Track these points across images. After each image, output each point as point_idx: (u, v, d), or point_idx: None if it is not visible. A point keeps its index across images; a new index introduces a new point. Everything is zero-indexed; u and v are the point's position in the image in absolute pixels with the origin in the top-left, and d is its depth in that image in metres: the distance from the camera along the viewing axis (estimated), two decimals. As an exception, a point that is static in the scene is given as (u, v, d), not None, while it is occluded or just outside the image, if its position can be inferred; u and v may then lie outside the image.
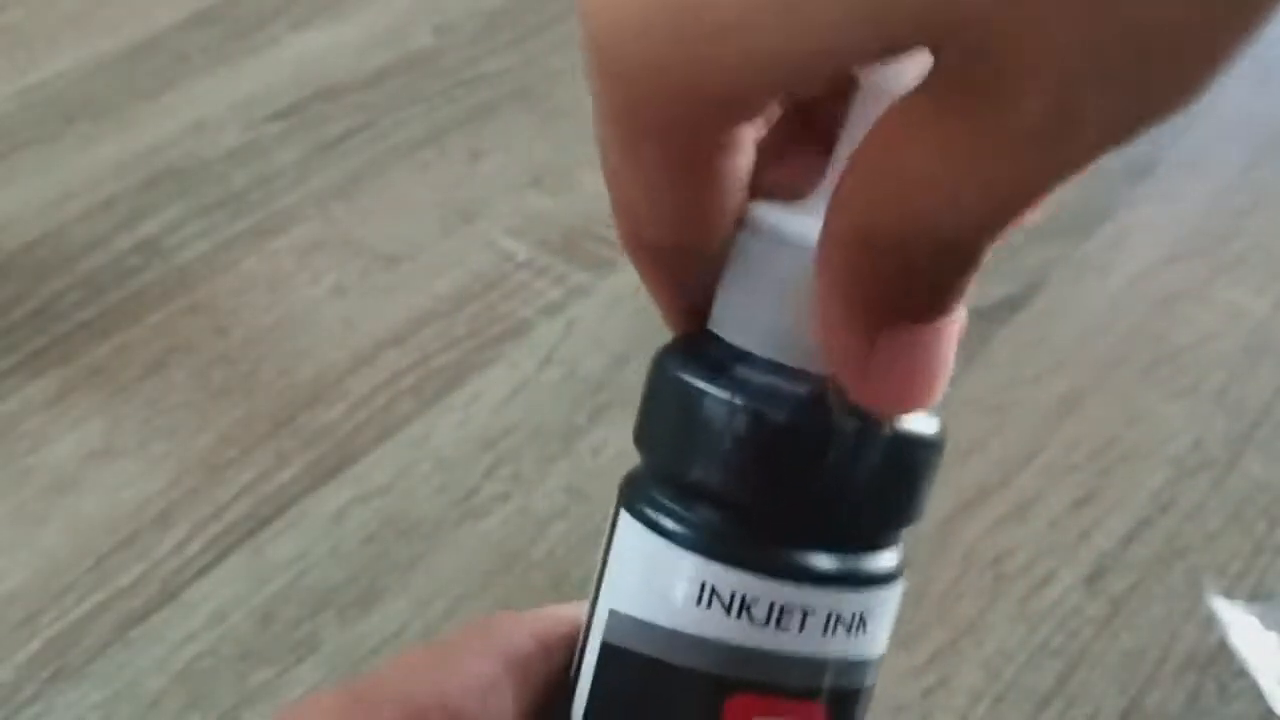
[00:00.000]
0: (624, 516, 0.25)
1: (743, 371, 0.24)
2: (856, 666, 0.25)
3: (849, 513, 0.24)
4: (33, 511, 0.51)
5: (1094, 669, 0.49)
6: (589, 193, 0.66)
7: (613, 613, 0.25)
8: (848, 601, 0.25)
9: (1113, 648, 0.49)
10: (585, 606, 0.26)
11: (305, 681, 0.47)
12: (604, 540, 0.25)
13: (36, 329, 0.58)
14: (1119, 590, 0.51)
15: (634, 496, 0.25)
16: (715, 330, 0.25)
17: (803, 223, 0.23)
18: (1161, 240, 0.67)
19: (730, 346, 0.25)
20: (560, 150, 0.69)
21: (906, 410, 0.23)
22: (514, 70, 0.73)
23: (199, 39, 0.76)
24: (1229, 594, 0.51)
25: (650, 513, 0.25)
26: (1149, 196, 0.69)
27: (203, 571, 0.50)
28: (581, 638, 0.26)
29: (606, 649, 0.25)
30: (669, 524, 0.25)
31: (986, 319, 0.61)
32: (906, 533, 0.26)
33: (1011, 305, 0.62)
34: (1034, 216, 0.22)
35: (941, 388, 0.22)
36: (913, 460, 0.25)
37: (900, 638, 0.49)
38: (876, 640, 0.26)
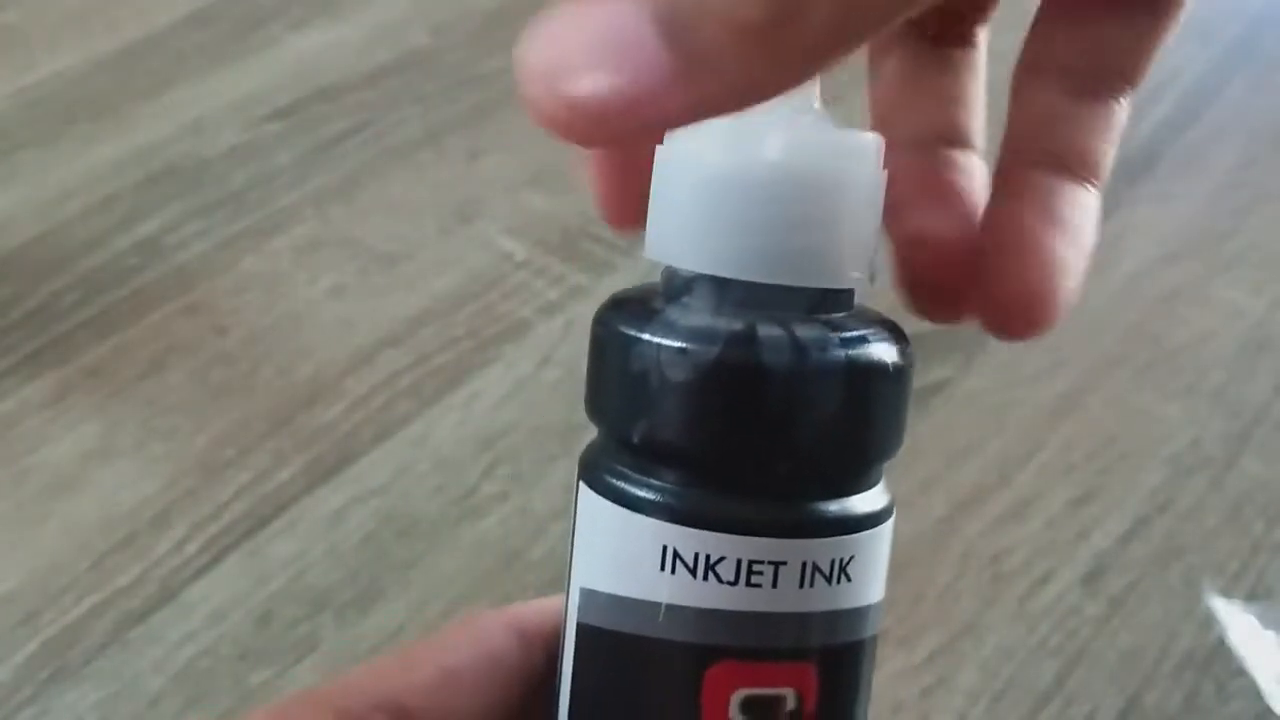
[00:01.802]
0: (582, 488, 0.24)
1: (671, 314, 0.23)
2: (846, 617, 0.23)
3: (804, 455, 0.23)
4: (31, 512, 0.51)
5: (1092, 668, 0.49)
6: (588, 193, 0.66)
7: (584, 591, 0.24)
8: (822, 549, 0.23)
9: (1111, 647, 0.49)
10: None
11: (304, 681, 0.47)
12: (571, 517, 0.24)
13: (34, 329, 0.58)
14: (1117, 589, 0.51)
15: (589, 465, 0.24)
16: (647, 255, 0.23)
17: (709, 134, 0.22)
18: (1159, 239, 0.67)
19: (656, 293, 0.24)
20: (559, 150, 0.68)
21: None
22: (512, 70, 0.73)
23: (197, 39, 0.76)
24: (1227, 593, 0.51)
25: (604, 480, 0.24)
26: (1147, 196, 0.69)
27: (201, 571, 0.50)
28: (563, 623, 0.25)
29: (582, 630, 0.24)
30: (622, 489, 0.23)
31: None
32: (894, 478, 0.25)
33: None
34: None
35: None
36: (870, 390, 0.23)
37: (898, 637, 0.49)
38: (866, 587, 0.24)
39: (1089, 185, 0.25)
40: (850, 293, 0.24)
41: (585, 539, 0.24)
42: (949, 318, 0.26)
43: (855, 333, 0.23)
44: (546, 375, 0.57)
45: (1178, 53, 0.79)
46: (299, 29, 0.77)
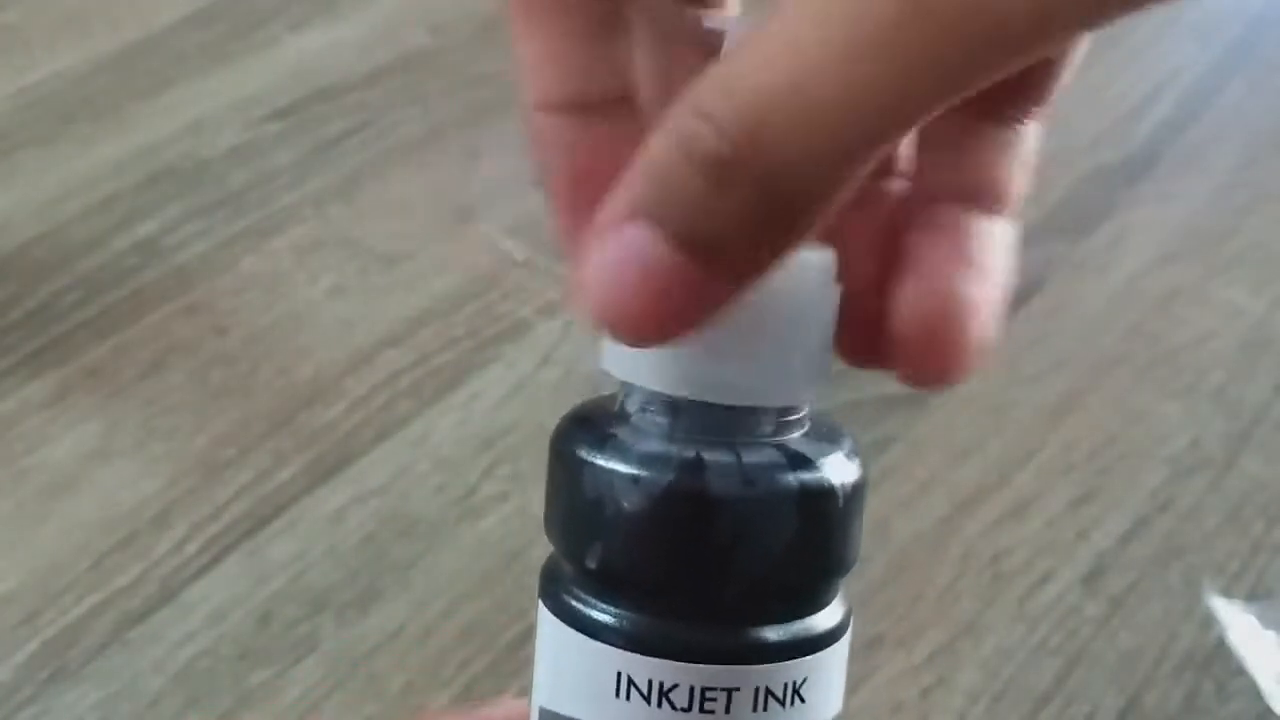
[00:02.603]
0: (540, 606, 0.24)
1: (623, 437, 0.23)
2: None
3: (754, 583, 0.22)
4: (30, 512, 0.51)
5: (1092, 668, 0.49)
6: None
7: (543, 711, 0.24)
8: (775, 674, 0.23)
9: (1111, 647, 0.49)
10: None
11: (304, 681, 0.47)
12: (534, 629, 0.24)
13: (34, 329, 0.58)
14: (1117, 589, 0.51)
15: (547, 582, 0.24)
16: (604, 367, 0.23)
17: None
18: (1159, 240, 0.67)
19: (615, 411, 0.23)
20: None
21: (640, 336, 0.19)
22: (512, 70, 0.73)
23: (197, 39, 0.76)
24: (1227, 593, 0.51)
25: (560, 600, 0.24)
26: (1147, 196, 0.69)
27: (201, 571, 0.50)
28: None
29: None
30: (577, 612, 0.23)
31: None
32: (856, 576, 0.24)
33: (1010, 304, 0.62)
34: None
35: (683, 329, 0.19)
36: (821, 515, 0.23)
37: (898, 637, 0.49)
38: (821, 705, 0.24)
39: (999, 216, 0.23)
40: (804, 410, 0.24)
41: (544, 657, 0.24)
42: (872, 365, 0.24)
43: (807, 454, 0.23)
44: (546, 375, 0.57)
45: (1178, 53, 0.79)
46: (299, 29, 0.77)
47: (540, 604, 0.24)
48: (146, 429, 0.54)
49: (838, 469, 0.23)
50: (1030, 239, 0.75)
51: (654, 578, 0.23)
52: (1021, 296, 0.63)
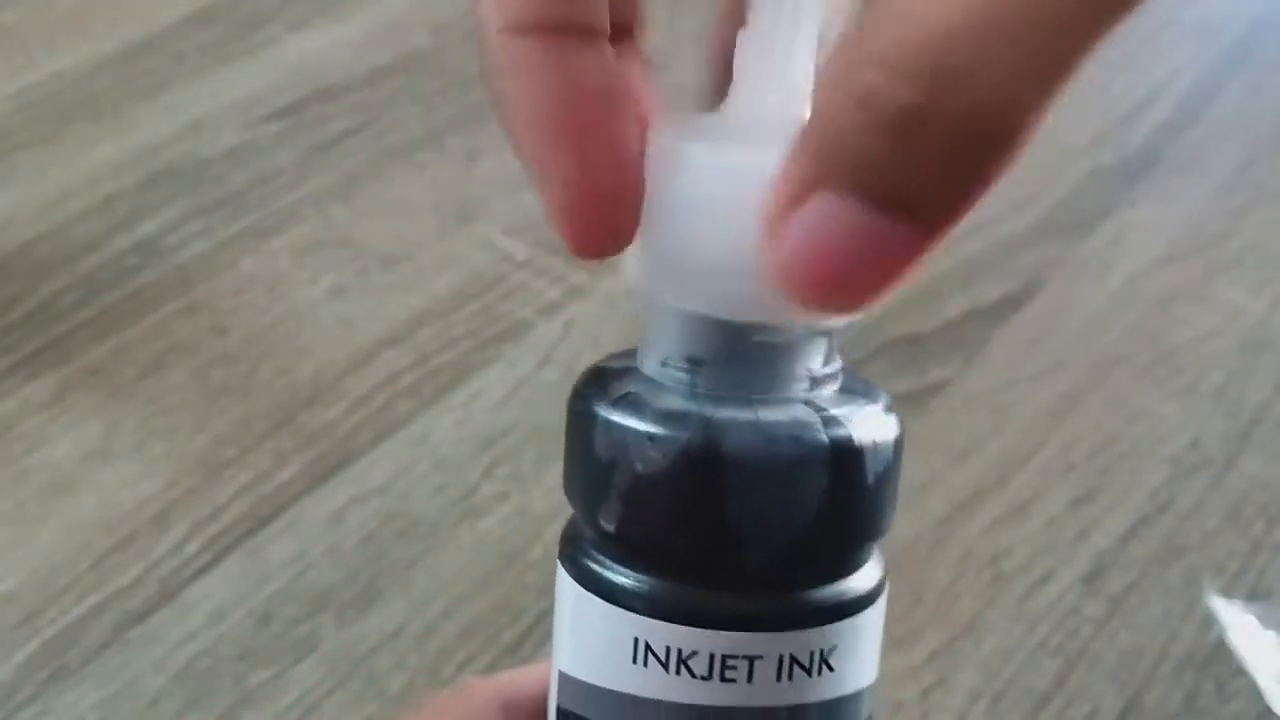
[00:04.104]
0: (559, 568, 0.23)
1: (643, 394, 0.22)
2: (829, 708, 0.22)
3: (779, 548, 0.21)
4: (30, 512, 0.51)
5: (1092, 668, 0.49)
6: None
7: (562, 675, 0.23)
8: (800, 641, 0.22)
9: (1111, 647, 0.49)
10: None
11: (304, 681, 0.47)
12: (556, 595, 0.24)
13: (34, 329, 0.58)
14: (1117, 589, 0.51)
15: (566, 544, 0.23)
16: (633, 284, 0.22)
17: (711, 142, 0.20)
18: (1159, 240, 0.67)
19: (634, 366, 0.22)
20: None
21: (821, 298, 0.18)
22: None
23: (197, 39, 0.76)
24: (1227, 593, 0.51)
25: (579, 563, 0.23)
26: (1147, 196, 0.69)
27: (201, 572, 0.50)
28: (547, 699, 0.24)
29: (562, 715, 0.23)
30: (596, 575, 0.22)
31: (985, 318, 0.61)
32: (890, 540, 0.23)
33: (1010, 304, 0.62)
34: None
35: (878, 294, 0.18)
36: (852, 477, 0.22)
37: (898, 638, 0.49)
38: (852, 674, 0.22)
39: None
40: (837, 365, 0.23)
41: (564, 621, 0.23)
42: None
43: (835, 410, 0.22)
44: (546, 375, 0.57)
45: (1178, 53, 0.79)
46: (299, 29, 0.77)
47: (559, 566, 0.23)
48: (146, 429, 0.54)
49: (869, 426, 0.22)
50: (1030, 239, 0.75)
51: (671, 541, 0.22)
52: (1021, 296, 0.63)
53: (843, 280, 0.18)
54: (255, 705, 0.46)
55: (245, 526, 0.51)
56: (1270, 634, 0.49)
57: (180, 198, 0.65)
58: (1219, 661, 0.49)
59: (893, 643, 0.49)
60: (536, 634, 0.48)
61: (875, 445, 0.22)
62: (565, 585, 0.23)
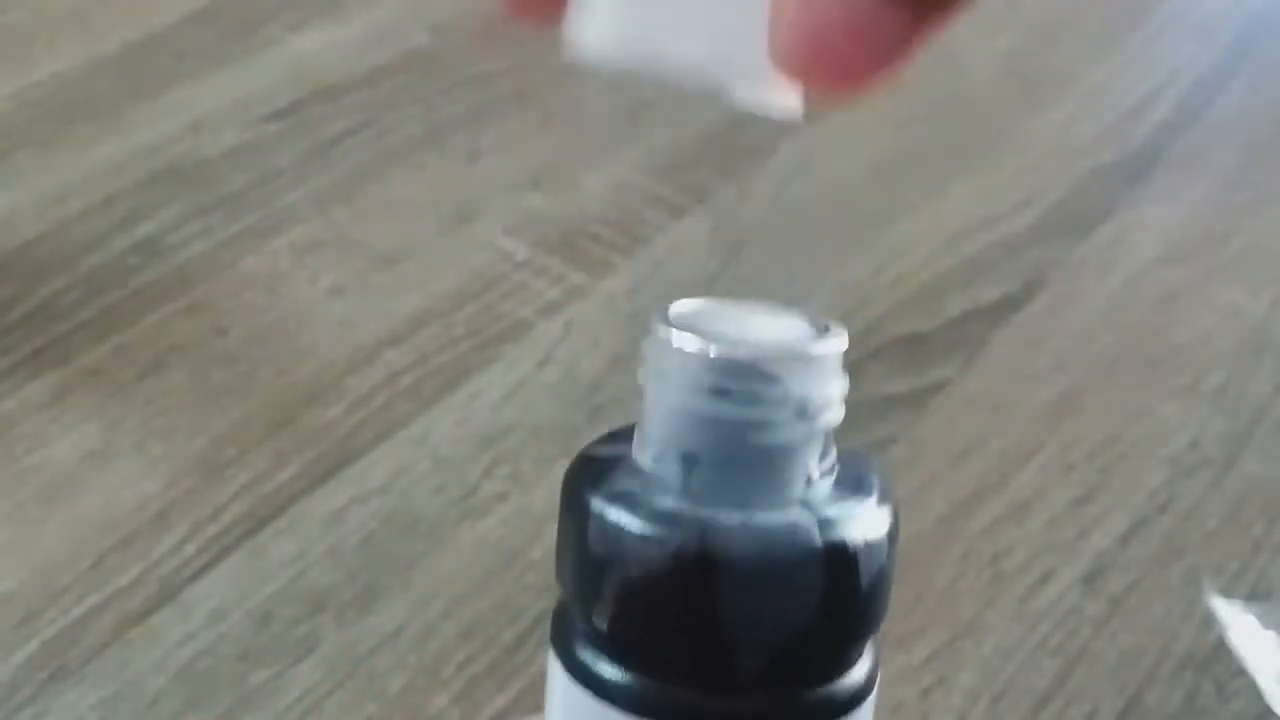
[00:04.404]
0: (550, 654, 0.23)
1: (636, 488, 0.21)
2: None
3: (774, 651, 0.21)
4: (30, 512, 0.51)
5: (1092, 668, 0.49)
6: (588, 193, 0.66)
7: None
8: None
9: (1111, 647, 0.49)
10: None
11: (304, 681, 0.47)
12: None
13: (34, 329, 0.58)
14: (1117, 589, 0.51)
15: (557, 632, 0.23)
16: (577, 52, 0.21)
17: None
18: (1160, 240, 0.67)
19: (629, 456, 0.22)
20: (559, 150, 0.69)
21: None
22: (512, 70, 0.73)
23: (197, 39, 0.76)
24: (1227, 593, 0.51)
25: (570, 654, 0.23)
26: (1147, 196, 0.69)
27: (201, 572, 0.50)
28: None
29: None
30: (585, 668, 0.22)
31: (985, 318, 0.61)
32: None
33: (1010, 304, 0.62)
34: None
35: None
36: (845, 578, 0.21)
37: (898, 638, 0.49)
38: None
39: None
40: (832, 459, 0.22)
41: (554, 708, 0.23)
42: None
43: (831, 512, 0.21)
44: (546, 375, 0.57)
45: (1178, 53, 0.79)
46: (299, 29, 0.77)
47: (550, 651, 0.23)
48: (146, 429, 0.54)
49: (863, 526, 0.22)
50: (1030, 239, 0.75)
51: (664, 644, 0.21)
52: (1021, 296, 0.63)
53: (831, 61, 0.18)
54: (255, 705, 0.46)
55: (245, 527, 0.51)
56: (1270, 634, 0.49)
57: (180, 197, 0.65)
58: (1219, 661, 0.49)
59: (893, 643, 0.49)
60: (537, 634, 0.48)
61: (869, 546, 0.22)
62: (556, 673, 0.23)
